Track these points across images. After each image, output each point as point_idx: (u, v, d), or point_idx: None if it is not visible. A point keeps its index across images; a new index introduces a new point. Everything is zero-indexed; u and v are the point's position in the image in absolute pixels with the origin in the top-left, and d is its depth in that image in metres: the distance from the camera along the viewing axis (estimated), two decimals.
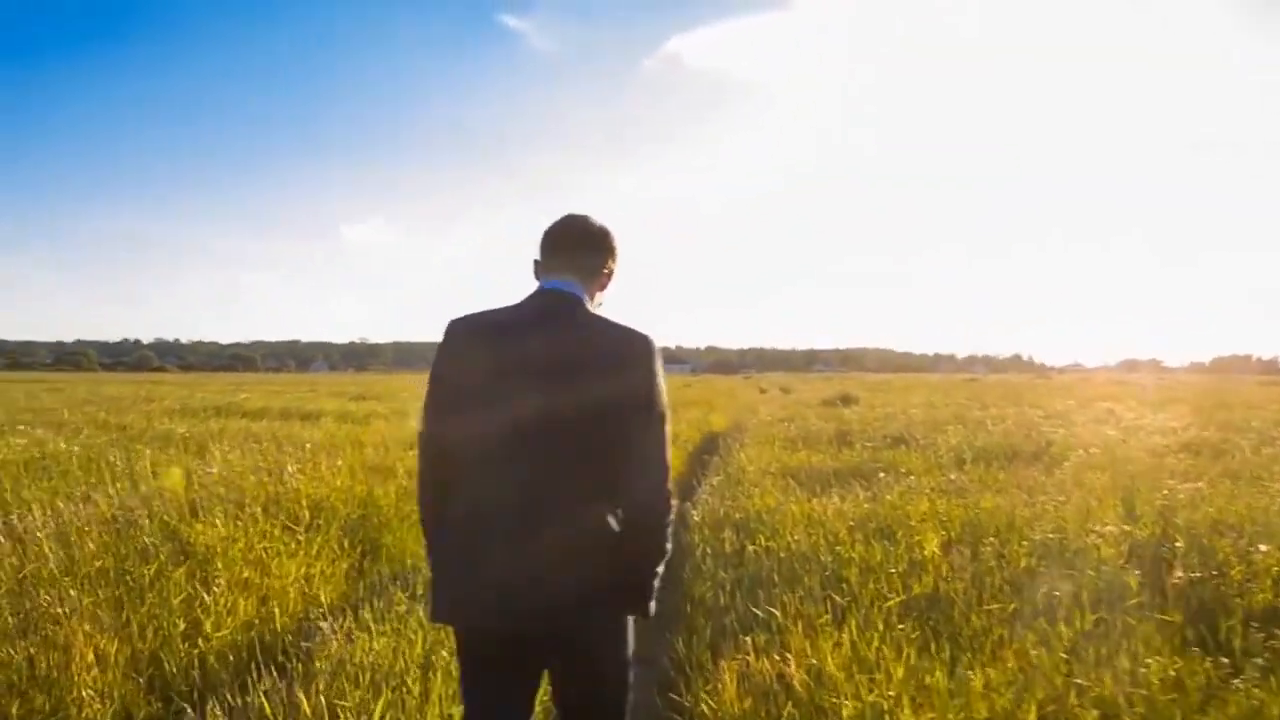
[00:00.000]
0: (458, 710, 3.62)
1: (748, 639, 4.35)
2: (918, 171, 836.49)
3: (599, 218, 2.53)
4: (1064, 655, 4.00)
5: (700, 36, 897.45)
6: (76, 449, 11.33)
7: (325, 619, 4.82)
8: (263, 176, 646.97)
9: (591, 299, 2.50)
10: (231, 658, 4.64)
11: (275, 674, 4.09)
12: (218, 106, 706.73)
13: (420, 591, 5.31)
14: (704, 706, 3.91)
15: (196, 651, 4.58)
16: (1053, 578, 5.24)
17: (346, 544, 6.46)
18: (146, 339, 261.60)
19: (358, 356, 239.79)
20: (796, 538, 6.43)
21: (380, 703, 3.69)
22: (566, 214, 2.55)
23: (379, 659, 4.12)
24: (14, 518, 6.30)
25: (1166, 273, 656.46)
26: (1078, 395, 30.36)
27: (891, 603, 4.81)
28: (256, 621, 5.02)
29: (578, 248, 2.50)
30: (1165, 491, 7.40)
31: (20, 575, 5.14)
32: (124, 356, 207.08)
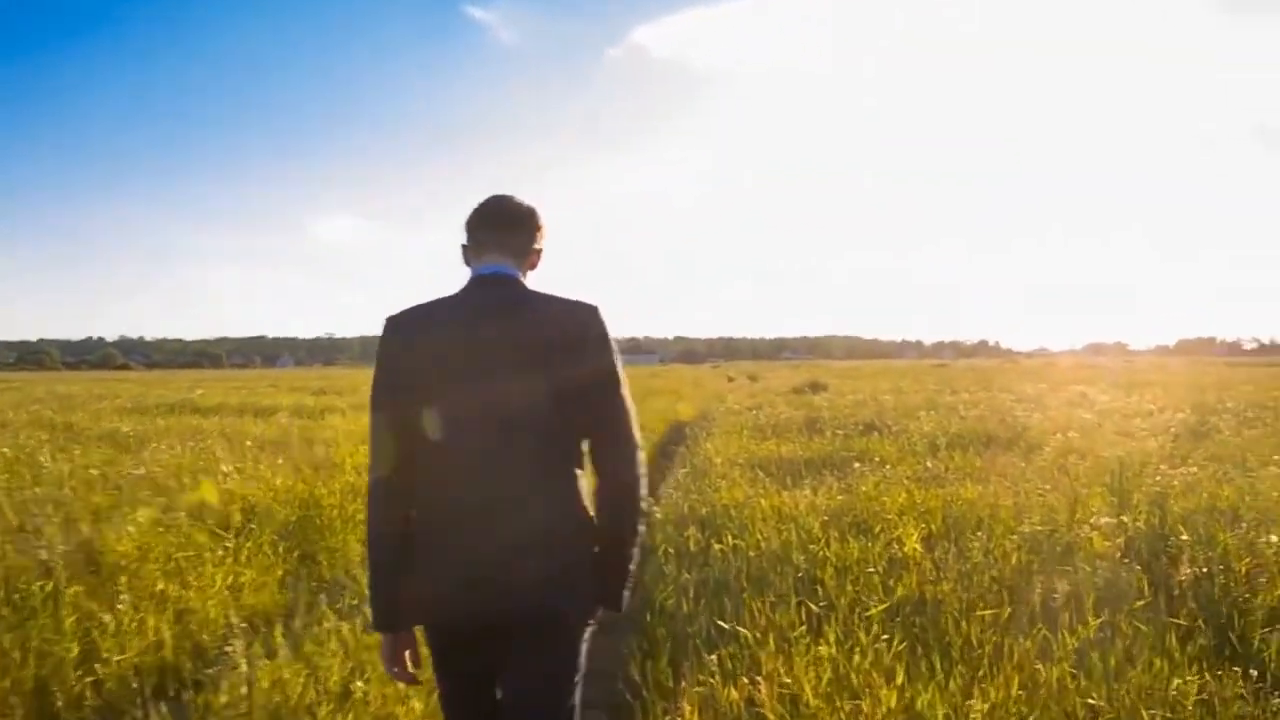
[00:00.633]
0: None
1: (713, 657, 3.84)
2: (886, 163, 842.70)
3: (522, 196, 2.49)
4: (1070, 669, 3.54)
5: (665, 26, 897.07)
6: (6, 450, 10.67)
7: (240, 638, 4.28)
8: (228, 172, 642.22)
9: (524, 278, 2.45)
10: (136, 684, 4.12)
11: (166, 709, 3.56)
12: (183, 103, 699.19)
13: (354, 603, 4.87)
14: None
15: (92, 679, 4.04)
16: (1047, 576, 4.80)
17: (282, 549, 6.02)
18: (111, 337, 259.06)
19: (325, 351, 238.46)
20: (766, 535, 5.95)
21: None
22: (490, 195, 2.50)
23: (289, 688, 3.59)
24: None
25: (1131, 259, 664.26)
26: (1047, 379, 30.30)
27: (873, 611, 4.31)
28: (169, 640, 4.49)
29: (506, 228, 2.45)
30: (1158, 478, 6.99)
31: None
32: (88, 355, 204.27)
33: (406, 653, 2.37)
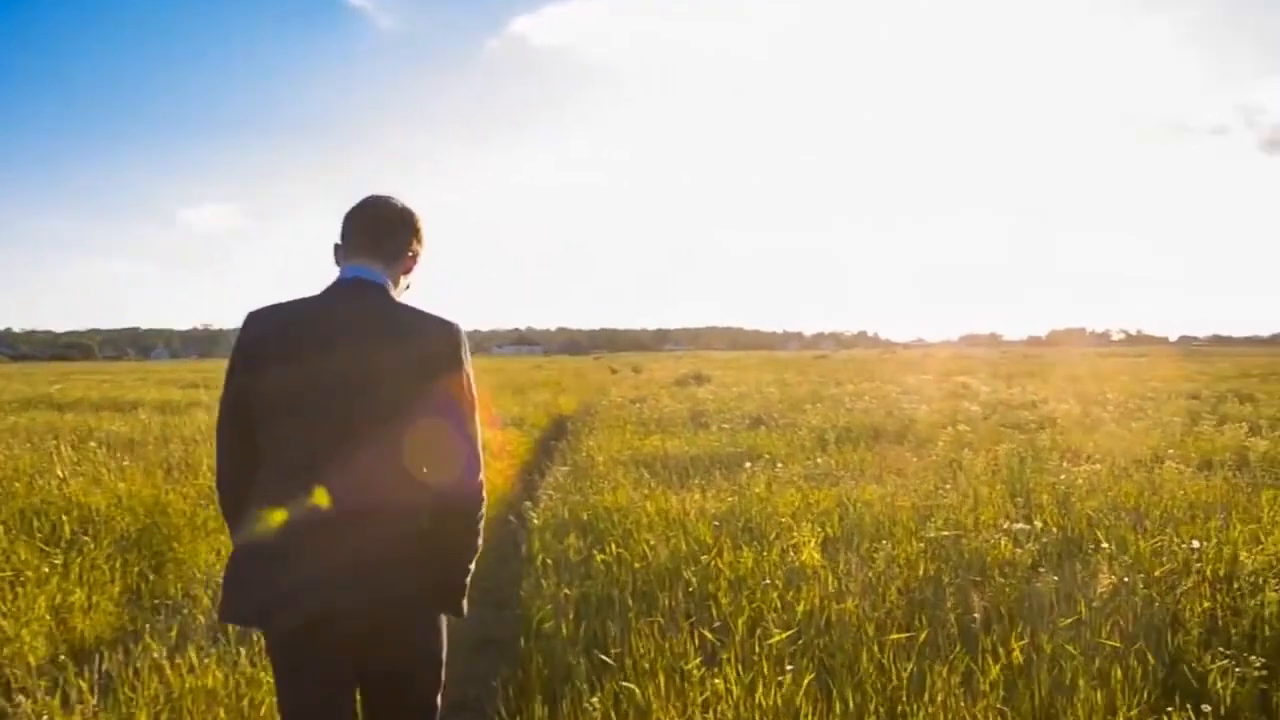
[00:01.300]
0: None
1: (595, 700, 3.30)
2: (767, 153, 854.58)
3: (401, 199, 2.44)
4: (998, 705, 3.10)
5: (545, 17, 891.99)
6: None
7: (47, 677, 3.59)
8: (95, 161, 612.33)
9: (395, 284, 2.41)
10: None
11: None
12: (45, 90, 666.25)
13: (201, 620, 4.49)
14: None
15: None
16: (958, 588, 4.40)
17: (120, 562, 5.36)
18: None
19: (201, 343, 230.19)
20: (652, 543, 5.42)
21: None
22: (367, 195, 2.44)
23: None
24: None
25: (1004, 248, 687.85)
26: (928, 370, 30.73)
27: (775, 638, 3.81)
28: None
29: (379, 232, 2.39)
30: (1062, 476, 6.72)
31: None
32: None
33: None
